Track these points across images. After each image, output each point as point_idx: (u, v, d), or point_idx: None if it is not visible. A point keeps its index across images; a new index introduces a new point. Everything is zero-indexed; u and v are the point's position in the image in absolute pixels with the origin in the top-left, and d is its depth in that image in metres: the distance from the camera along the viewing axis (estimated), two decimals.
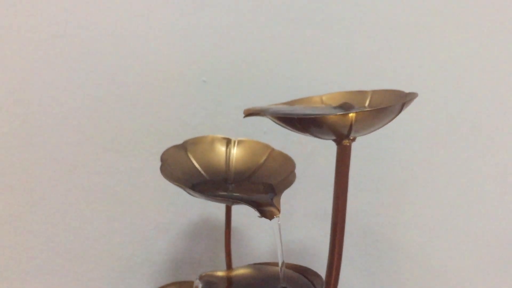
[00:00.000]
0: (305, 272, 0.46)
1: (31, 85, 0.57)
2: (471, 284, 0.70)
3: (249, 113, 0.46)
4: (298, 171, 0.65)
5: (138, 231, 0.61)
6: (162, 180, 0.61)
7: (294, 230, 0.66)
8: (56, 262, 0.60)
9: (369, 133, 0.45)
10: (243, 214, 0.63)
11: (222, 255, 0.63)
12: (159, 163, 0.61)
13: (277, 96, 0.62)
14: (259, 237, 0.65)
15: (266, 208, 0.43)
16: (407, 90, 0.56)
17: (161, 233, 0.62)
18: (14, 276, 0.59)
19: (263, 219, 0.43)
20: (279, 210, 0.44)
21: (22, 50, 0.56)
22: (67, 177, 0.58)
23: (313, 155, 0.65)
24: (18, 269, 0.59)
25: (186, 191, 0.45)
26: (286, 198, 0.65)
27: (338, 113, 0.40)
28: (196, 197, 0.46)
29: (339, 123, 0.41)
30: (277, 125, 0.48)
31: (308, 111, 0.42)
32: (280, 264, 0.44)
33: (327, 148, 0.64)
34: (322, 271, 0.67)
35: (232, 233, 0.53)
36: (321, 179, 0.65)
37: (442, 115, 0.66)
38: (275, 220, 0.43)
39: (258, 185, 0.50)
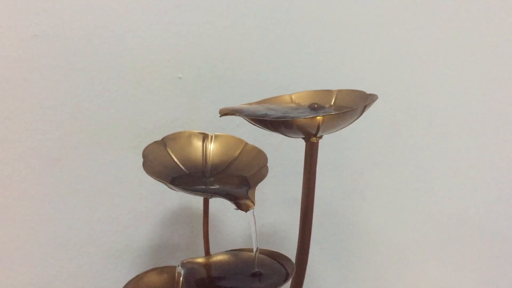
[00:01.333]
0: (277, 257, 0.51)
1: (13, 81, 0.59)
2: (428, 261, 0.77)
3: (225, 113, 0.50)
4: (268, 160, 0.70)
5: (118, 219, 0.65)
6: (141, 172, 0.64)
7: (265, 215, 0.71)
8: (41, 250, 0.63)
9: (334, 131, 0.49)
10: (219, 201, 0.68)
11: (199, 241, 0.68)
12: (137, 156, 0.64)
13: (249, 92, 0.66)
14: (234, 223, 0.70)
15: (242, 201, 0.47)
16: (368, 86, 0.61)
17: (141, 221, 0.66)
18: None
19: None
20: (253, 203, 0.48)
21: (2, 46, 0.58)
22: (50, 170, 0.61)
23: (282, 146, 0.69)
24: (2, 257, 0.62)
25: (167, 185, 0.49)
26: (258, 186, 0.70)
27: (306, 117, 0.44)
28: (177, 191, 0.50)
29: (308, 124, 0.45)
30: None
31: (279, 114, 0.47)
32: (254, 251, 0.48)
33: (296, 140, 0.69)
34: (291, 252, 0.73)
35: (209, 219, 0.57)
36: (289, 168, 0.70)
37: (400, 107, 0.72)
38: (250, 212, 0.47)
39: (233, 178, 0.54)
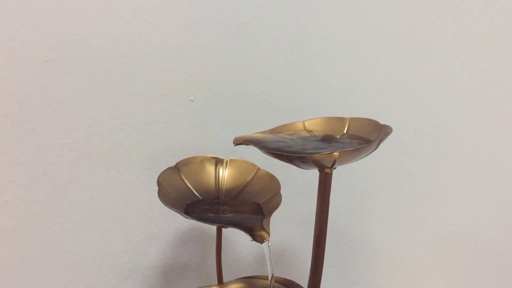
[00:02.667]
0: (291, 285, 0.52)
1: (26, 105, 0.59)
2: (435, 278, 0.78)
3: (239, 143, 0.51)
4: (280, 178, 0.71)
5: (130, 240, 0.65)
6: (152, 193, 0.65)
7: (274, 233, 0.71)
8: (54, 271, 0.63)
9: (349, 163, 0.50)
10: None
11: (210, 260, 0.69)
12: (149, 177, 0.65)
13: (261, 114, 0.66)
14: (246, 248, 0.70)
15: (257, 232, 0.48)
16: (375, 105, 0.61)
17: (152, 242, 0.66)
18: (10, 284, 0.62)
19: None
20: (268, 234, 0.48)
21: (17, 71, 0.58)
22: (63, 192, 0.61)
23: (293, 167, 0.70)
24: (16, 277, 0.62)
25: (182, 215, 0.50)
26: None
27: (323, 153, 0.45)
28: (192, 219, 0.50)
29: (324, 159, 0.46)
30: None
31: (295, 149, 0.47)
32: (270, 279, 0.49)
33: None
34: (300, 271, 0.74)
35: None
36: (301, 187, 0.71)
37: (407, 126, 0.72)
38: (265, 243, 0.48)
39: (247, 205, 0.55)
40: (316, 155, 0.45)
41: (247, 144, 0.50)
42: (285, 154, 0.46)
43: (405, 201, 0.75)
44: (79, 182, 0.62)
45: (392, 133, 0.51)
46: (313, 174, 0.52)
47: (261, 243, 0.47)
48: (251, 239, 0.48)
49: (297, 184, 0.70)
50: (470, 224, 0.76)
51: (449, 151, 0.74)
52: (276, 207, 0.53)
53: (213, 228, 0.63)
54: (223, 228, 0.56)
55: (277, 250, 0.72)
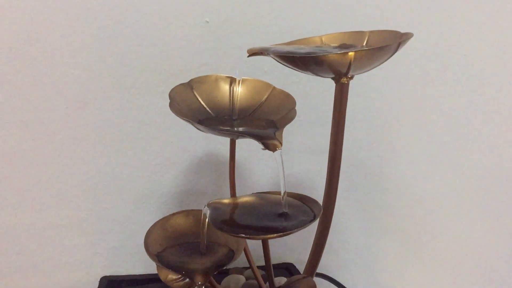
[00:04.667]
0: (304, 199, 0.50)
1: (41, 25, 0.59)
2: (456, 213, 0.76)
3: (253, 53, 0.49)
4: (297, 109, 0.69)
5: (145, 165, 0.65)
6: (168, 117, 0.65)
7: (292, 164, 0.70)
8: (70, 193, 0.64)
9: (366, 71, 0.48)
10: (245, 149, 0.67)
11: (225, 187, 0.68)
12: (164, 101, 0.64)
13: (277, 36, 0.64)
14: (261, 172, 0.69)
15: (269, 141, 0.47)
16: (402, 31, 0.58)
17: (168, 167, 0.66)
18: (28, 204, 0.63)
19: (266, 152, 0.46)
20: (281, 143, 0.47)
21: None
22: (78, 113, 0.61)
23: (311, 95, 0.68)
24: (34, 199, 0.63)
25: (194, 125, 0.49)
26: (285, 135, 0.69)
27: (338, 52, 0.43)
28: (203, 131, 0.49)
29: (339, 61, 0.44)
30: (278, 65, 0.51)
31: (309, 50, 0.45)
32: (282, 192, 0.48)
33: (325, 87, 0.67)
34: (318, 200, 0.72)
35: (235, 166, 0.57)
36: (317, 117, 0.69)
37: (433, 56, 0.69)
38: (278, 152, 0.46)
39: (261, 121, 0.53)
40: (330, 55, 0.43)
41: (260, 54, 0.48)
42: (298, 56, 0.44)
43: (428, 134, 0.72)
44: (94, 104, 0.62)
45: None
46: (331, 103, 0.50)
47: (273, 151, 0.46)
48: (263, 148, 0.47)
49: (314, 114, 0.68)
50: (496, 159, 0.73)
51: (477, 82, 0.71)
52: (290, 120, 0.52)
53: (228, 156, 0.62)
54: (236, 146, 0.54)
55: (294, 181, 0.71)
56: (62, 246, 0.65)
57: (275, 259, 0.72)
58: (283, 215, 0.47)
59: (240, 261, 0.69)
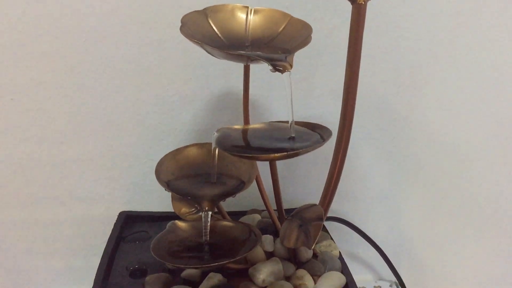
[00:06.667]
0: (316, 127, 0.49)
1: None
2: (485, 161, 0.72)
3: None
4: (317, 50, 0.66)
5: (163, 101, 0.65)
6: (187, 54, 0.64)
7: (312, 106, 0.68)
8: (89, 127, 0.64)
9: None
10: (260, 86, 0.66)
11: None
12: (182, 36, 0.63)
13: None
14: (276, 108, 0.68)
15: (279, 62, 0.45)
16: None
17: (185, 105, 0.65)
18: (50, 137, 0.64)
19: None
20: (291, 65, 0.45)
21: None
22: (97, 47, 0.61)
23: (332, 36, 0.65)
24: (55, 131, 0.64)
25: (204, 48, 0.48)
26: (305, 76, 0.67)
27: None
28: (212, 54, 0.48)
29: None
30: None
31: None
32: (290, 116, 0.46)
33: (345, 24, 0.64)
34: None
35: (249, 103, 0.55)
36: (338, 58, 0.66)
37: None
38: (286, 74, 0.45)
39: (275, 49, 0.52)
40: None
41: None
42: None
43: (459, 78, 0.68)
44: (111, 37, 0.61)
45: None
46: None
47: (282, 73, 0.45)
48: (272, 70, 0.45)
49: (338, 53, 0.66)
50: None
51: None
52: (304, 46, 0.50)
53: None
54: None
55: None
56: (82, 180, 0.66)
57: (288, 203, 0.70)
58: (292, 139, 0.45)
59: (257, 203, 0.68)
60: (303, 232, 0.44)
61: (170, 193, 0.61)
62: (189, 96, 0.65)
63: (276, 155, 0.41)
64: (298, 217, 0.46)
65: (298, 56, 0.61)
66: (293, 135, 0.45)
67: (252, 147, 0.45)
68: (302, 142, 0.44)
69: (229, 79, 0.65)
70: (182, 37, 0.63)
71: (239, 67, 0.63)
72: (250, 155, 0.42)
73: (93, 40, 0.61)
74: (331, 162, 0.53)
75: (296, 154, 0.42)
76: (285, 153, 0.41)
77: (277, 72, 0.45)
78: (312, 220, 0.44)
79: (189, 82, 0.65)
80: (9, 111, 0.62)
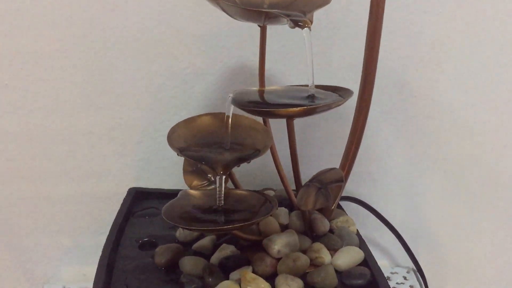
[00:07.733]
0: (337, 89, 0.47)
1: None
2: (506, 139, 0.69)
3: None
4: (335, 23, 0.64)
5: (176, 74, 0.63)
6: (201, 24, 0.62)
7: (330, 79, 0.66)
8: (100, 99, 0.63)
9: None
10: (276, 60, 0.64)
11: None
12: (197, 6, 0.61)
13: None
14: (291, 79, 0.66)
15: (299, 18, 0.43)
16: None
17: (198, 77, 0.64)
18: (59, 108, 0.63)
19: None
20: (311, 21, 0.43)
21: None
22: (107, 16, 0.60)
23: (350, 10, 0.63)
24: (64, 105, 0.63)
25: (219, 5, 0.46)
26: (324, 48, 0.65)
27: None
28: (229, 13, 0.46)
29: None
30: None
31: None
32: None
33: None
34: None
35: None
36: (356, 32, 0.64)
37: None
38: (306, 30, 0.43)
39: (294, 11, 0.50)
40: None
41: None
42: None
43: (483, 55, 0.66)
44: (123, 7, 0.60)
45: None
46: None
47: (302, 29, 0.43)
48: (293, 26, 0.43)
49: (356, 27, 0.64)
50: None
51: None
52: (325, 4, 0.48)
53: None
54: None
55: None
56: (91, 154, 0.65)
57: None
58: (311, 97, 0.43)
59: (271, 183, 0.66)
60: (322, 195, 0.42)
61: (181, 170, 0.59)
62: (202, 69, 0.63)
63: (295, 109, 0.39)
64: (316, 181, 0.44)
65: (315, 29, 0.59)
66: (313, 93, 0.43)
67: (269, 103, 0.43)
68: (321, 100, 0.42)
69: (244, 51, 0.63)
70: (196, 7, 0.61)
71: (254, 39, 0.61)
72: (266, 109, 0.40)
73: (105, 9, 0.60)
74: (352, 123, 0.51)
75: (315, 110, 0.40)
76: (304, 107, 0.39)
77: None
78: (332, 182, 0.42)
79: (202, 54, 0.63)
80: (18, 81, 0.60)
